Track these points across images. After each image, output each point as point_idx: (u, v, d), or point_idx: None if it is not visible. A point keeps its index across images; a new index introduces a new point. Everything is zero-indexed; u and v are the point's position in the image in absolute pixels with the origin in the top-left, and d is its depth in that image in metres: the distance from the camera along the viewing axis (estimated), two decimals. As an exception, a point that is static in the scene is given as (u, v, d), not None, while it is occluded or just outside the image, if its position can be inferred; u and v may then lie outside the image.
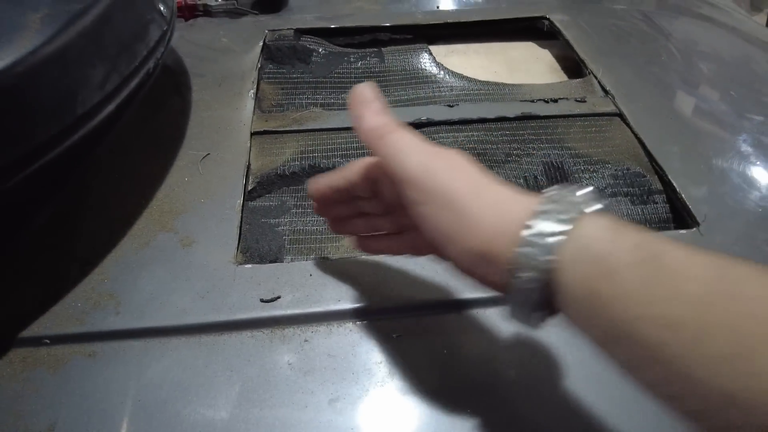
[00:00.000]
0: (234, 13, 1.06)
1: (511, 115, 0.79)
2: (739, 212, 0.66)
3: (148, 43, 0.61)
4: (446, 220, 0.37)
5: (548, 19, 1.04)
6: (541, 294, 0.33)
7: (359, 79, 0.90)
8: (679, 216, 0.68)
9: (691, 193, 0.68)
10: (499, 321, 0.55)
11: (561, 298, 0.32)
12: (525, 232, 0.33)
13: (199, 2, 1.05)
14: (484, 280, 0.39)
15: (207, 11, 1.07)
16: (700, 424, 0.25)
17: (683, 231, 0.65)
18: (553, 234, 0.32)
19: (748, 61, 1.00)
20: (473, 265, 0.37)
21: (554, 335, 0.53)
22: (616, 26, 1.03)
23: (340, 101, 0.85)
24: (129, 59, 0.58)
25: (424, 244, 0.43)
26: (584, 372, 0.51)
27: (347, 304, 0.56)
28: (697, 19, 1.15)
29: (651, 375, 0.28)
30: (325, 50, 0.96)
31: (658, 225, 0.68)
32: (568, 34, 0.98)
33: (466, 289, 0.57)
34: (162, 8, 0.66)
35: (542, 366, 0.52)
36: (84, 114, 0.52)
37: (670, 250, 0.28)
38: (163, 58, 0.66)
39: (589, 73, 0.89)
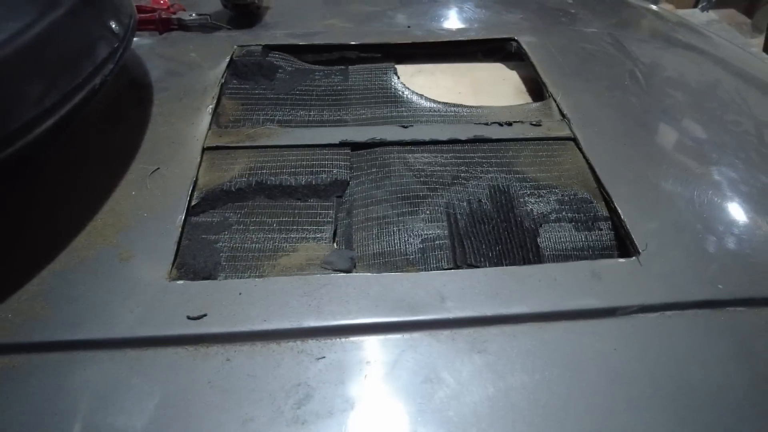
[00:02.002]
0: (207, 28, 1.08)
1: (463, 137, 0.79)
2: (682, 244, 0.66)
3: (95, 60, 0.62)
4: None
5: (516, 41, 1.04)
6: None
7: (320, 97, 0.91)
8: (622, 244, 0.68)
9: (635, 222, 0.68)
10: (427, 345, 0.55)
11: None
12: None
13: (173, 16, 1.07)
14: None
15: (182, 25, 1.09)
16: None
17: (622, 260, 0.64)
18: None
19: (714, 87, 0.99)
20: None
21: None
22: (583, 49, 1.04)
23: (298, 118, 0.86)
24: (71, 76, 0.59)
25: None
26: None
27: (273, 324, 0.56)
28: (670, 43, 1.16)
29: None
30: (291, 67, 0.97)
31: (601, 252, 0.68)
32: (534, 57, 0.99)
33: (395, 313, 0.57)
34: (114, 26, 0.67)
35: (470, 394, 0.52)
36: (19, 128, 0.54)
37: None
38: (113, 73, 0.67)
39: (549, 96, 0.89)
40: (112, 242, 0.64)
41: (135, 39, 1.03)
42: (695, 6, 4.08)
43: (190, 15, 1.08)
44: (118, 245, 0.64)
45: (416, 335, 0.56)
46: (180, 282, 0.60)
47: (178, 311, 0.57)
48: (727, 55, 1.16)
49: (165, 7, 1.09)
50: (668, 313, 0.59)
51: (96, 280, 0.60)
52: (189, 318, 0.56)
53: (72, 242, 0.64)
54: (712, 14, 4.00)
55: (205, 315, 0.57)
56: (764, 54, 3.26)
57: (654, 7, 1.41)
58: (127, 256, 0.63)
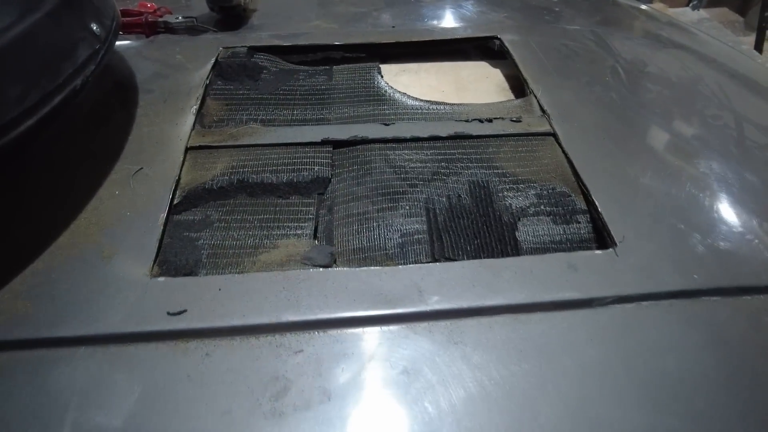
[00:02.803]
0: (194, 30, 1.09)
1: (443, 134, 0.80)
2: (658, 235, 0.67)
3: (75, 61, 0.63)
4: None
5: (499, 39, 1.06)
6: None
7: (304, 97, 0.92)
8: (600, 237, 0.69)
9: (613, 214, 0.69)
10: (404, 337, 0.56)
11: None
12: None
13: (160, 20, 1.08)
14: None
15: (169, 28, 1.10)
16: None
17: (599, 252, 0.65)
18: None
19: (696, 83, 1.01)
20: None
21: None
22: (565, 46, 1.05)
23: (281, 117, 0.87)
24: (51, 77, 0.60)
25: None
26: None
27: (252, 319, 0.57)
28: (653, 40, 1.17)
29: None
30: (276, 67, 0.98)
31: (579, 245, 0.69)
32: (516, 54, 1.00)
33: (373, 306, 0.58)
34: (95, 28, 0.68)
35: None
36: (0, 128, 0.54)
37: None
38: (94, 74, 0.68)
39: (530, 93, 0.90)
40: (95, 240, 0.65)
41: (122, 42, 1.05)
42: (687, 4, 4.11)
43: (177, 18, 1.09)
44: (101, 243, 0.65)
45: (394, 328, 0.57)
46: (161, 279, 0.61)
47: (159, 307, 0.58)
48: (711, 51, 1.17)
49: (152, 10, 1.10)
50: (644, 303, 0.60)
51: (79, 277, 0.61)
52: (169, 314, 0.57)
53: (56, 241, 0.65)
54: (703, 12, 4.02)
55: (185, 311, 0.57)
56: (754, 51, 3.28)
57: (642, 5, 1.42)
58: (110, 253, 0.64)
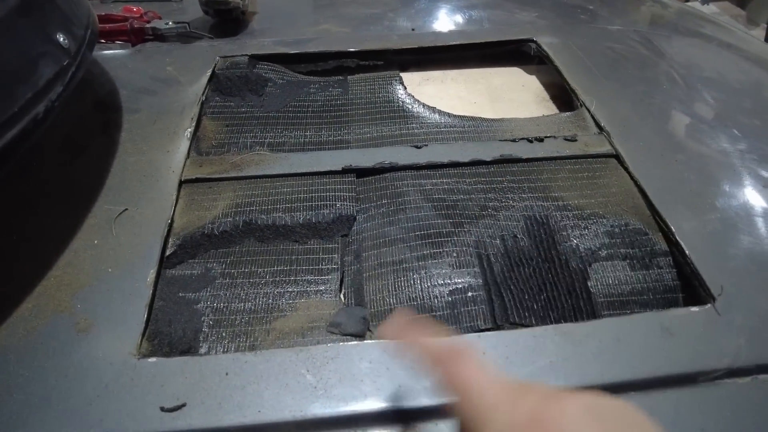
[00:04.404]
0: (187, 37, 0.96)
1: (487, 158, 0.67)
2: (765, 284, 0.54)
3: (36, 82, 0.50)
4: None
5: (535, 42, 0.93)
6: None
7: (317, 114, 0.79)
8: (689, 285, 0.56)
9: (703, 257, 0.56)
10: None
11: None
12: None
13: (147, 26, 0.95)
14: None
15: (158, 35, 0.96)
16: None
17: (695, 308, 0.53)
18: None
19: (759, 87, 0.88)
20: None
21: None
22: (611, 49, 0.92)
23: (292, 140, 0.74)
24: (3, 104, 0.47)
25: None
26: None
27: (269, 414, 0.44)
28: (698, 38, 1.04)
29: None
30: (282, 79, 0.85)
31: (663, 296, 0.56)
32: (558, 59, 0.87)
33: (424, 393, 0.45)
34: (63, 39, 0.55)
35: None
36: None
37: None
38: (62, 97, 0.54)
39: (581, 105, 0.78)
40: (67, 308, 0.52)
41: (103, 52, 0.92)
42: (697, -1, 4.00)
43: (167, 23, 0.95)
44: (74, 312, 0.52)
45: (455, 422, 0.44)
46: (152, 359, 0.47)
47: (150, 399, 0.45)
48: (759, 49, 1.05)
49: (138, 15, 0.96)
50: (761, 377, 0.48)
51: (46, 360, 0.48)
52: (163, 410, 0.44)
53: (18, 309, 0.52)
54: (713, 7, 3.92)
55: (183, 405, 0.44)
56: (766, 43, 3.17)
57: (672, 1, 1.30)
58: (85, 326, 0.50)
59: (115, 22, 0.95)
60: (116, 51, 0.94)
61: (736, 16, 4.29)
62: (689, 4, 3.85)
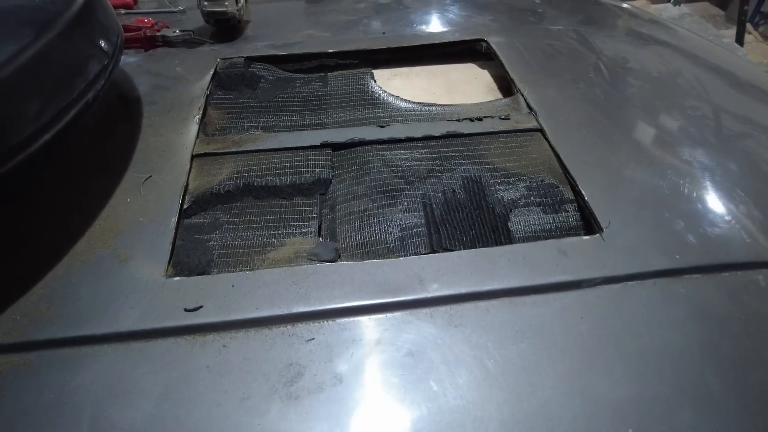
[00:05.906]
0: (191, 43, 1.13)
1: (437, 133, 0.84)
2: (642, 220, 0.71)
3: (87, 76, 0.67)
4: None
5: (486, 42, 1.10)
6: None
7: (302, 103, 0.96)
8: (588, 224, 0.73)
9: (598, 202, 0.73)
10: (408, 323, 0.60)
11: None
12: None
13: (158, 34, 1.12)
14: None
15: (167, 42, 1.14)
16: None
17: (587, 237, 0.70)
18: None
19: (675, 76, 1.05)
20: None
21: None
22: (550, 46, 1.10)
23: (281, 124, 0.91)
24: (65, 93, 0.64)
25: None
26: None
27: (265, 311, 0.61)
28: (634, 37, 1.22)
29: None
30: (273, 76, 1.02)
31: (568, 232, 0.73)
32: (503, 55, 1.05)
33: (377, 295, 0.62)
34: (103, 44, 0.72)
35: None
36: (18, 143, 0.58)
37: None
38: (104, 88, 0.71)
39: (517, 92, 0.95)
40: (110, 245, 0.69)
41: (122, 57, 1.09)
42: (668, 0, 4.19)
43: (174, 32, 1.13)
44: (116, 248, 0.68)
45: (398, 314, 0.61)
46: (176, 278, 0.64)
47: (176, 305, 0.61)
48: (691, 46, 1.22)
49: (149, 25, 1.13)
50: (630, 283, 0.64)
51: (98, 280, 0.64)
52: (186, 310, 0.61)
53: (73, 248, 0.69)
54: (684, 8, 4.10)
55: (201, 307, 0.61)
56: (736, 44, 3.36)
57: (624, 3, 1.47)
58: (125, 257, 0.67)
59: (130, 32, 1.12)
60: (132, 56, 1.11)
61: (715, 15, 4.47)
62: (660, 6, 4.04)
